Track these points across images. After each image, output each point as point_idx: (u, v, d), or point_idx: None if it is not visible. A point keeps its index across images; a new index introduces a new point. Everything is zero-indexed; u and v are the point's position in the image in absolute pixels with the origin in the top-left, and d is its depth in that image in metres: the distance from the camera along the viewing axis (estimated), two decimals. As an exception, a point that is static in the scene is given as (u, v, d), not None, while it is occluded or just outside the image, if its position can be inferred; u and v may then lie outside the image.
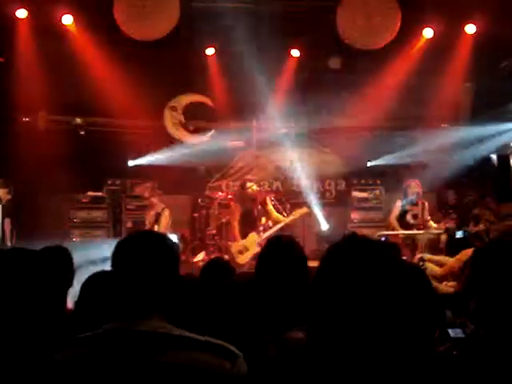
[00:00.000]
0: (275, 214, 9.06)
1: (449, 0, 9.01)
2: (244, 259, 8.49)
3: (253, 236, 8.70)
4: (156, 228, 9.21)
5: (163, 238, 2.19)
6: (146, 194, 10.02)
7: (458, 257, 6.03)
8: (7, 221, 9.58)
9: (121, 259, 2.12)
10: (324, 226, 10.38)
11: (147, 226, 9.39)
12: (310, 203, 10.32)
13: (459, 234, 7.34)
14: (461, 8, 9.09)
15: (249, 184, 9.06)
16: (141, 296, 2.06)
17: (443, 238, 8.64)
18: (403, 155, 10.80)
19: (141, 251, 2.10)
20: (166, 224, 9.37)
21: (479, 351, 1.91)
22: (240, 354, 1.98)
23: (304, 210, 9.24)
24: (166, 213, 9.45)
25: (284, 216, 9.21)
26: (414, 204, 9.21)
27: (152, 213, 9.50)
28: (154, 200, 9.55)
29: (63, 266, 3.82)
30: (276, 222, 8.90)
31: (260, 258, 2.64)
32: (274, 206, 9.39)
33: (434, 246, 8.71)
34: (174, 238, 7.65)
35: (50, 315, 2.31)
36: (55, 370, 1.99)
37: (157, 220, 9.38)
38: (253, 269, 2.79)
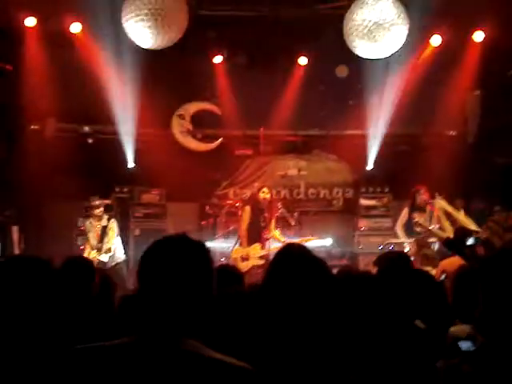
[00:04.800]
0: (277, 235, 9.00)
1: (457, 8, 8.98)
2: (244, 267, 8.44)
3: (256, 247, 8.66)
4: (105, 241, 9.00)
5: (199, 243, 1.99)
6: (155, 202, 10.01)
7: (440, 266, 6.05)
8: (15, 228, 9.63)
9: (149, 269, 1.93)
10: (327, 242, 10.15)
11: (93, 239, 9.08)
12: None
13: (470, 241, 7.27)
14: (469, 16, 9.08)
15: (264, 189, 9.02)
16: (172, 311, 1.89)
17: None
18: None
19: (175, 260, 1.91)
20: (113, 236, 9.09)
21: (490, 364, 1.90)
22: (257, 376, 1.88)
23: (310, 238, 9.17)
24: (113, 225, 9.19)
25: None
26: (422, 211, 9.11)
27: (98, 226, 9.14)
28: (100, 211, 9.19)
29: (85, 277, 3.81)
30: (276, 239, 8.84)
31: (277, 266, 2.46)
32: (279, 219, 9.36)
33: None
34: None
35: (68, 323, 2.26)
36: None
37: (104, 233, 9.07)
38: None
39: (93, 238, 9.10)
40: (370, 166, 11.24)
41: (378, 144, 10.98)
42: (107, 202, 10.01)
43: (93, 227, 9.16)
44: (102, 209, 9.23)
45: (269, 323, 2.28)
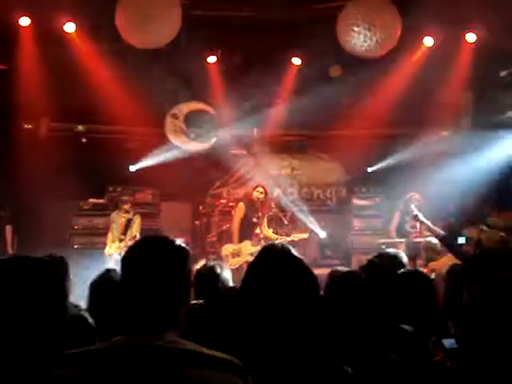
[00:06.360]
0: (269, 233, 9.02)
1: (449, 9, 9.02)
2: (235, 264, 8.49)
3: (247, 244, 8.70)
4: (129, 233, 9.28)
5: (178, 244, 2.07)
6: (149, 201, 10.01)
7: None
8: (8, 228, 9.62)
9: (132, 267, 2.01)
10: (321, 234, 10.27)
11: (117, 231, 9.38)
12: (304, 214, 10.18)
13: (461, 240, 7.31)
14: (461, 17, 9.12)
15: (259, 188, 9.02)
16: (154, 308, 1.96)
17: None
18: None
19: (154, 259, 1.99)
20: (137, 230, 9.38)
21: (473, 362, 1.93)
22: (243, 368, 1.92)
23: (304, 234, 9.19)
24: (138, 219, 9.53)
25: (281, 234, 9.23)
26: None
27: (124, 218, 9.47)
28: (128, 206, 9.58)
29: (60, 274, 3.81)
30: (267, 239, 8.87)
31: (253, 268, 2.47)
32: (272, 218, 9.41)
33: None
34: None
35: (51, 325, 2.26)
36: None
37: (128, 225, 9.38)
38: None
39: (116, 229, 9.40)
40: (371, 167, 11.32)
41: (371, 144, 11.03)
42: (138, 196, 10.54)
43: (119, 218, 9.50)
44: (129, 204, 9.60)
45: (248, 323, 2.28)
